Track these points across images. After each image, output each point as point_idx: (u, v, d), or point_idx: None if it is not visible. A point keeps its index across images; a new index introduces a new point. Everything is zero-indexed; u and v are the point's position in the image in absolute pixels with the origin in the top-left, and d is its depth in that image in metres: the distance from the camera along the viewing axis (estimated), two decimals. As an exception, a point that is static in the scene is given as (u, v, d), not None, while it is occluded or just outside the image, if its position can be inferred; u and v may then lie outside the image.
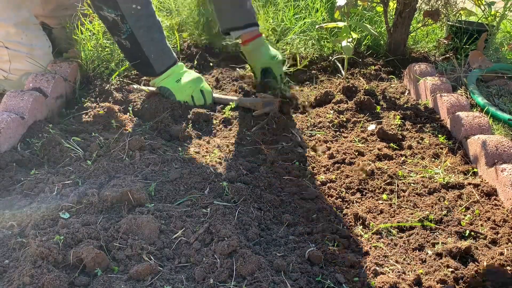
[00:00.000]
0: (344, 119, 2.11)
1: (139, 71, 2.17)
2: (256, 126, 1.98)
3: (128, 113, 1.99)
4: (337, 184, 1.68)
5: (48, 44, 2.17)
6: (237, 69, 2.51)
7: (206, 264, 1.20)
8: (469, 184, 1.66)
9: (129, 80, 2.22)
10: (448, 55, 2.76)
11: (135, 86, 2.22)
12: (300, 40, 2.84)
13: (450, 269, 1.28)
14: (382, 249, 1.37)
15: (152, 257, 1.22)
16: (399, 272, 1.28)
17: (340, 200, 1.59)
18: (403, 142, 1.96)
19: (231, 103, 2.13)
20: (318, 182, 1.68)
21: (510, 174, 1.56)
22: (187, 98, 2.08)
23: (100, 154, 1.67)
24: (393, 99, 2.34)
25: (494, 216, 1.49)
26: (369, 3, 2.90)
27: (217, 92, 2.32)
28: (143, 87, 2.22)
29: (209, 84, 2.32)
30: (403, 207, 1.57)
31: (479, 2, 2.70)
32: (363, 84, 2.48)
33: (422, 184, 1.67)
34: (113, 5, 1.83)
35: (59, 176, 1.52)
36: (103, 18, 1.90)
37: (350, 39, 2.38)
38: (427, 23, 2.80)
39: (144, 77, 2.26)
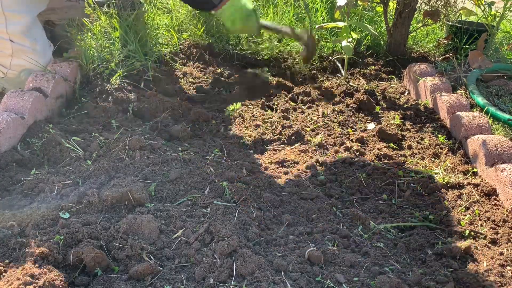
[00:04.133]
0: (344, 119, 2.11)
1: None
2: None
3: (128, 113, 1.99)
4: (337, 184, 1.68)
5: (49, 43, 2.18)
6: None
7: (206, 264, 1.20)
8: (469, 184, 1.66)
9: (129, 80, 2.22)
10: (448, 55, 2.76)
11: None
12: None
13: (450, 269, 1.28)
14: (382, 249, 1.37)
15: (152, 257, 1.22)
16: (399, 272, 1.28)
17: (340, 200, 1.60)
18: (403, 142, 1.96)
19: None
20: (318, 182, 1.68)
21: (510, 174, 1.56)
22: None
23: (100, 154, 1.67)
24: (393, 99, 2.35)
25: (494, 216, 1.49)
26: (369, 3, 2.90)
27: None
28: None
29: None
30: (403, 207, 1.57)
31: (479, 2, 2.70)
32: (363, 84, 2.48)
33: (422, 184, 1.67)
34: None
35: (59, 176, 1.52)
36: None
37: (350, 39, 2.38)
38: (427, 23, 2.80)
39: (145, 77, 2.26)
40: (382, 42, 2.93)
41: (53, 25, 2.40)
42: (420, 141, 1.96)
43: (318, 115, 2.15)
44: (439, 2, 2.73)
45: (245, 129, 1.99)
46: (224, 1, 2.13)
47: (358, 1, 2.67)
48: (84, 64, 2.22)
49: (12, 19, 1.97)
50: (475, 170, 1.75)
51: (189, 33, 2.77)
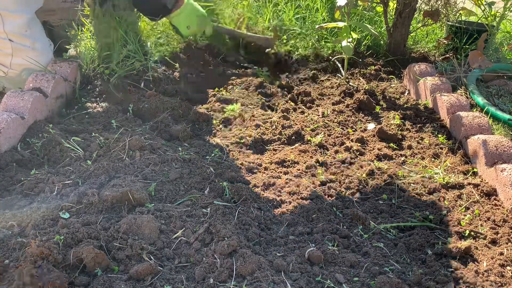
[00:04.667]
0: (344, 119, 2.11)
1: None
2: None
3: (128, 113, 2.00)
4: (337, 184, 1.68)
5: (50, 42, 2.18)
6: None
7: (206, 264, 1.20)
8: (469, 184, 1.66)
9: (129, 81, 2.23)
10: (448, 55, 2.76)
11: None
12: (300, 40, 2.84)
13: (450, 269, 1.28)
14: (382, 249, 1.37)
15: (152, 257, 1.22)
16: (399, 272, 1.28)
17: (340, 200, 1.60)
18: (403, 142, 1.96)
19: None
20: (318, 182, 1.68)
21: (510, 174, 1.56)
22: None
23: (100, 154, 1.67)
24: (393, 99, 2.35)
25: (494, 216, 1.49)
26: (369, 3, 2.90)
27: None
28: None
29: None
30: (403, 207, 1.57)
31: (479, 2, 2.70)
32: (363, 84, 2.48)
33: (422, 184, 1.67)
34: None
35: (59, 176, 1.52)
36: None
37: (350, 39, 2.38)
38: (427, 23, 2.80)
39: (145, 77, 2.26)
40: (382, 42, 2.93)
41: (51, 26, 2.41)
42: (420, 141, 1.96)
43: (318, 115, 2.15)
44: (439, 2, 2.73)
45: (245, 129, 1.99)
46: (179, 5, 2.18)
47: (358, 1, 2.68)
48: (84, 64, 2.22)
49: (8, 19, 1.97)
50: (475, 170, 1.75)
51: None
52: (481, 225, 1.47)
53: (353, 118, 2.14)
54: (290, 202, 1.55)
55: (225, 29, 2.61)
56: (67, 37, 2.39)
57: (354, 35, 2.53)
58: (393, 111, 2.20)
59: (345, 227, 1.46)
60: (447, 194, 1.62)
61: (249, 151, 1.86)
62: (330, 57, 2.73)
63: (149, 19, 2.33)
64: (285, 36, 2.83)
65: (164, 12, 2.20)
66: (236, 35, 2.64)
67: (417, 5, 2.72)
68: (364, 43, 2.93)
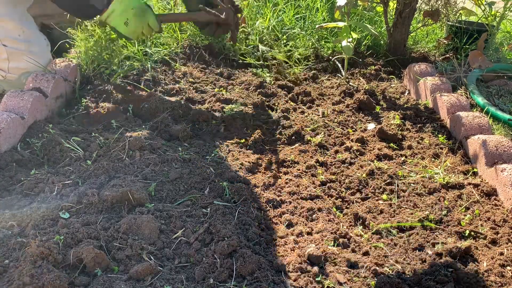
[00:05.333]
0: (344, 119, 2.11)
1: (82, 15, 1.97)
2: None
3: (128, 113, 1.99)
4: (337, 184, 1.68)
5: (46, 42, 2.18)
6: None
7: (206, 264, 1.20)
8: (469, 184, 1.66)
9: (129, 81, 2.23)
10: (448, 55, 2.76)
11: None
12: (300, 40, 2.84)
13: (450, 269, 1.28)
14: (382, 249, 1.37)
15: (152, 257, 1.22)
16: (399, 272, 1.28)
17: (340, 200, 1.60)
18: (403, 142, 1.96)
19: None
20: (318, 182, 1.68)
21: (510, 174, 1.56)
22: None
23: (100, 154, 1.67)
24: (393, 99, 2.35)
25: (494, 216, 1.49)
26: (369, 3, 2.90)
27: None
28: None
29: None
30: (403, 207, 1.57)
31: (479, 2, 2.70)
32: (363, 84, 2.48)
33: (422, 184, 1.67)
34: None
35: (59, 176, 1.52)
36: None
37: (350, 39, 2.38)
38: (427, 23, 2.80)
39: (145, 77, 2.26)
40: (382, 42, 2.93)
41: (50, 29, 2.41)
42: (420, 141, 1.96)
43: (318, 115, 2.15)
44: (439, 2, 2.73)
45: (245, 129, 1.99)
46: (111, 2, 1.85)
47: (358, 1, 2.68)
48: (84, 64, 2.22)
49: None
50: (475, 170, 1.74)
51: (189, 33, 2.77)
52: (481, 225, 1.47)
53: (353, 118, 2.14)
54: (290, 202, 1.55)
55: (166, 16, 2.27)
56: (67, 37, 2.39)
57: (354, 35, 2.53)
58: (393, 111, 2.20)
59: (345, 227, 1.46)
60: (447, 194, 1.62)
61: (249, 151, 1.86)
62: (330, 57, 2.74)
63: (80, 19, 2.10)
64: (285, 37, 2.83)
65: (94, 12, 1.87)
66: (179, 18, 2.34)
67: (417, 5, 2.72)
68: (364, 43, 2.93)
